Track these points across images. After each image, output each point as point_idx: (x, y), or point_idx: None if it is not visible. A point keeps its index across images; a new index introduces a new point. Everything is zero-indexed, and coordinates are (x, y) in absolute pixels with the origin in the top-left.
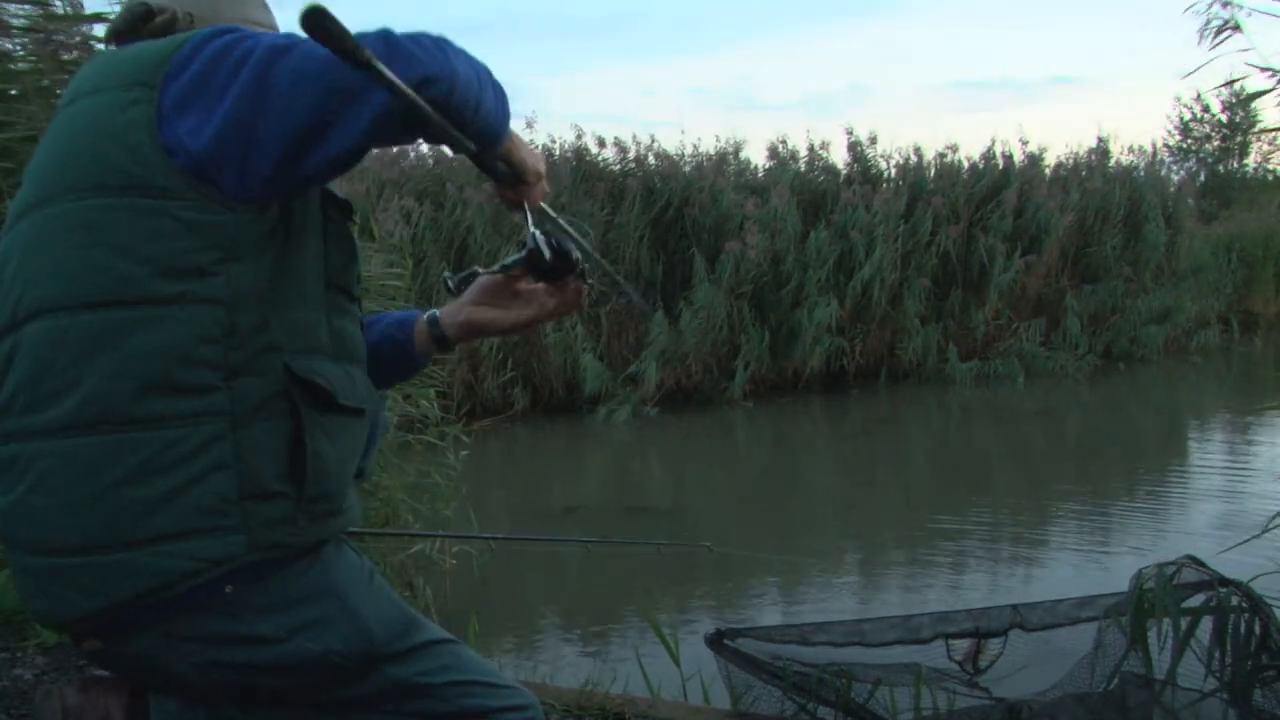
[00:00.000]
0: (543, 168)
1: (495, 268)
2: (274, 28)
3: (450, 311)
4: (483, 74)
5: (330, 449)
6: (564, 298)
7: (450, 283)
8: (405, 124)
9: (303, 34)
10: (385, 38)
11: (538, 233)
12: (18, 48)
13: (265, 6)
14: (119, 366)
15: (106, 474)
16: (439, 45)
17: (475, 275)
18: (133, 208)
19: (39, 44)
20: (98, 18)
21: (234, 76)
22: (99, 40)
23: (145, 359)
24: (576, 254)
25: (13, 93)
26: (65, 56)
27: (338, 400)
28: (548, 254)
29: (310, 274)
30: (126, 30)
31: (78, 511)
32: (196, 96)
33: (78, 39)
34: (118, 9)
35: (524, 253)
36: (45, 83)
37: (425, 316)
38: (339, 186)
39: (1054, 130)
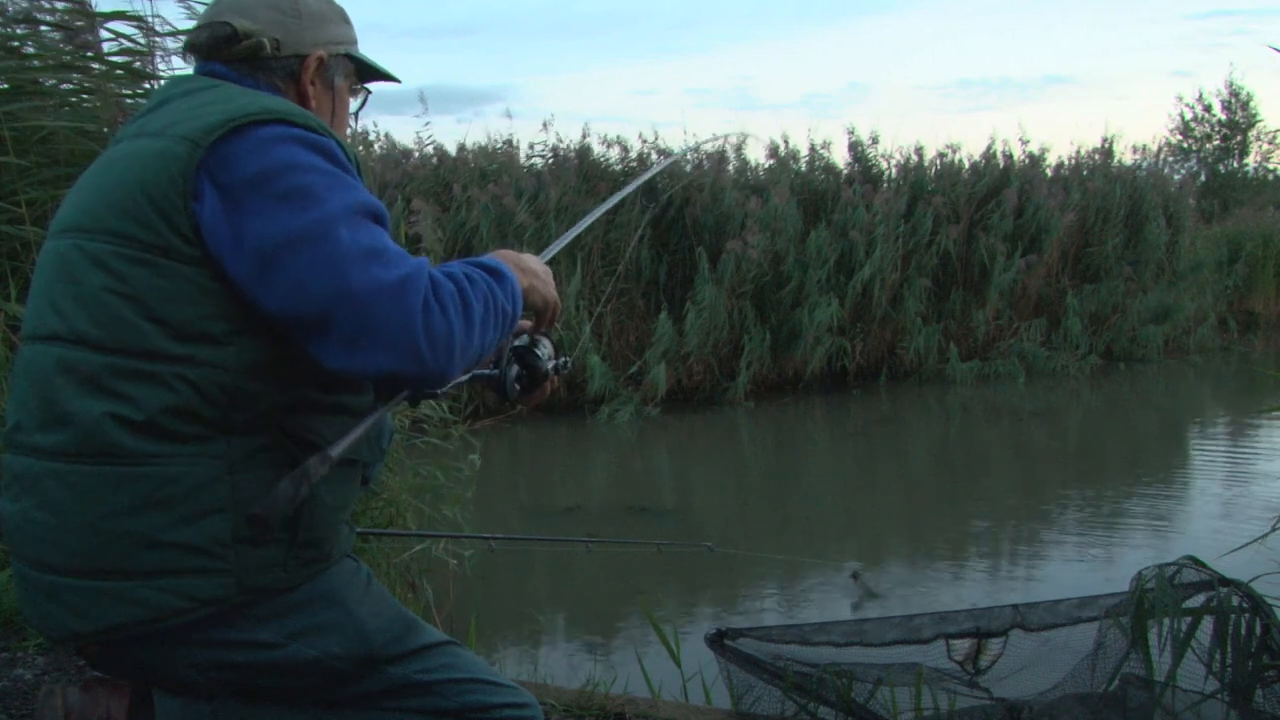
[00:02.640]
0: (552, 295)
1: (465, 376)
2: (354, 41)
3: None
4: (488, 337)
5: (327, 495)
6: (532, 401)
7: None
8: None
9: (364, 197)
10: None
11: (510, 371)
12: (31, 45)
13: (346, 20)
14: (120, 408)
15: (106, 504)
16: (448, 346)
17: (436, 393)
18: (157, 267)
19: (67, 40)
20: (122, 15)
21: (280, 208)
22: (123, 38)
23: (146, 406)
24: (548, 366)
25: (45, 82)
26: (89, 55)
27: (329, 453)
28: (512, 394)
29: None
30: (207, 49)
31: (76, 535)
32: (241, 196)
33: (101, 37)
34: (136, 7)
35: (491, 375)
36: (64, 85)
37: None
38: None
39: (1053, 129)
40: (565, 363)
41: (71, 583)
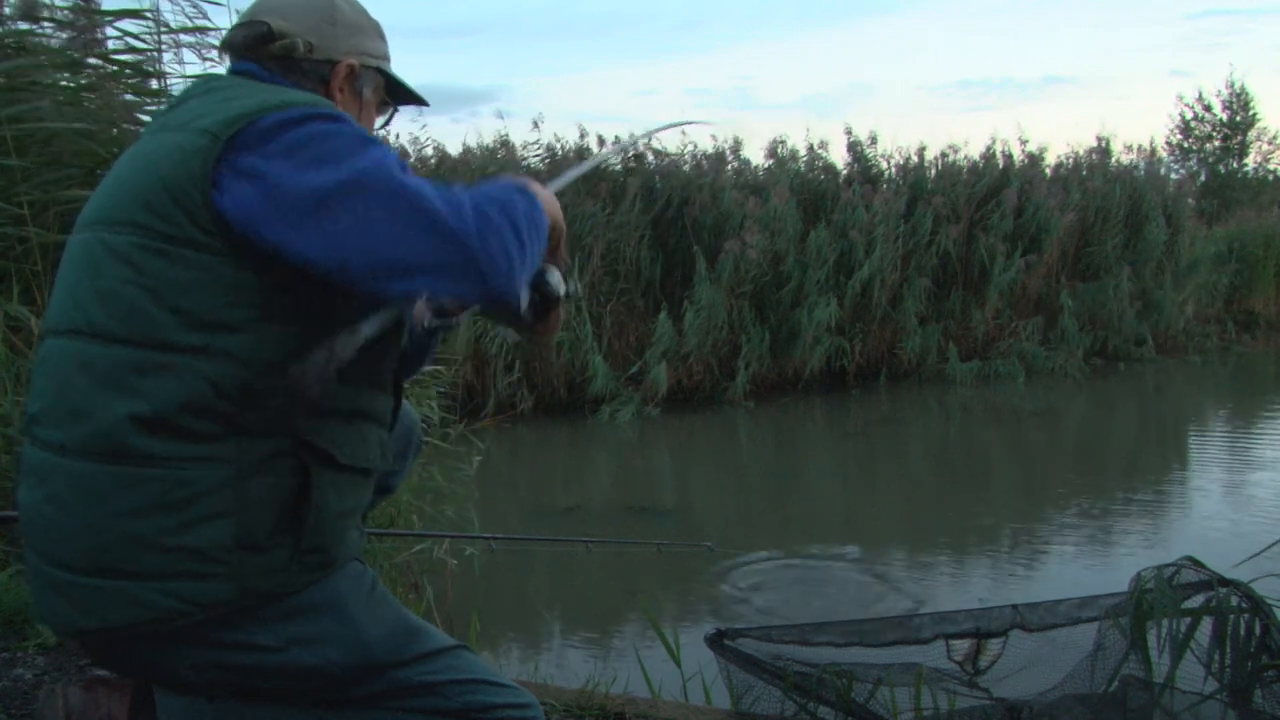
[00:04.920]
0: (559, 212)
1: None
2: (386, 56)
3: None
4: (536, 250)
5: (332, 505)
6: (544, 331)
7: (427, 323)
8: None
9: (393, 154)
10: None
11: (524, 294)
12: (45, 41)
13: (380, 36)
14: (135, 405)
15: (113, 504)
16: (509, 266)
17: (451, 325)
18: (176, 257)
19: (72, 39)
20: (133, 14)
21: (321, 165)
22: (131, 36)
23: (161, 401)
24: (559, 294)
25: (49, 82)
26: (94, 53)
27: (339, 461)
28: (529, 317)
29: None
30: (242, 47)
31: (83, 533)
32: (272, 164)
33: (109, 34)
34: (149, 5)
35: None
36: (67, 84)
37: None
38: None
39: (1054, 130)
40: (575, 289)
41: (76, 579)
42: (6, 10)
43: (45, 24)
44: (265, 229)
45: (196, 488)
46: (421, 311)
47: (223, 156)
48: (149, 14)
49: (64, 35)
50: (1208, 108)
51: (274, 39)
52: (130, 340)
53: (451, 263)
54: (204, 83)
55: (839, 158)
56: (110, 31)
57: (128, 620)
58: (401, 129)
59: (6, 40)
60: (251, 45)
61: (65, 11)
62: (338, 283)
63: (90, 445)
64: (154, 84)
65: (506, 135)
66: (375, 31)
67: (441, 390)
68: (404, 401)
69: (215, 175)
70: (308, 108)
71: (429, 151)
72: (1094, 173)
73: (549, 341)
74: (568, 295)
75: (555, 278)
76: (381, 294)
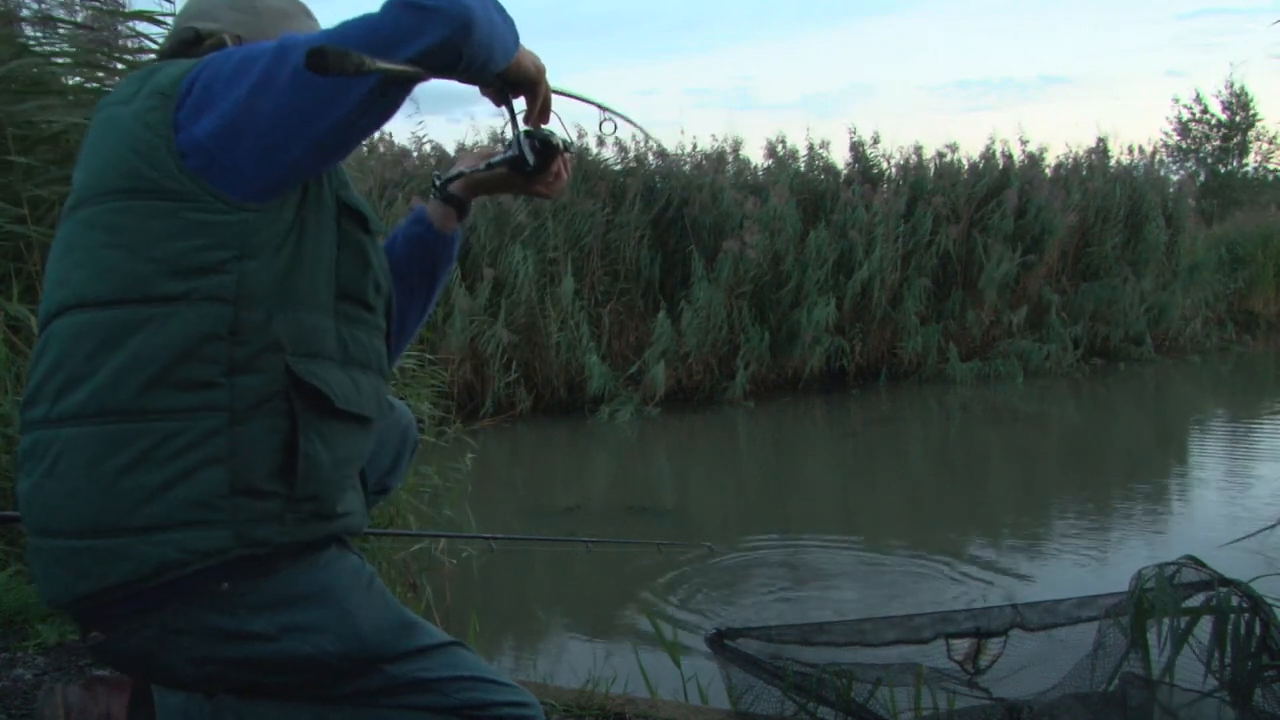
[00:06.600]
0: (542, 64)
1: (482, 166)
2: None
3: (453, 182)
4: (493, 11)
5: (324, 452)
6: (551, 182)
7: (438, 181)
8: (402, 90)
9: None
10: (402, 13)
11: (522, 137)
12: (62, 44)
13: (309, 15)
14: (126, 361)
15: (107, 462)
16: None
17: (462, 175)
18: (147, 210)
19: (84, 41)
20: (144, 15)
21: (242, 74)
22: (144, 36)
23: (151, 354)
24: (558, 140)
25: (64, 79)
26: (108, 56)
27: (335, 405)
28: (532, 159)
29: (320, 281)
30: (175, 54)
31: (79, 497)
32: (209, 99)
33: (125, 37)
34: (163, 5)
35: (508, 155)
36: (89, 84)
37: (430, 200)
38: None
39: (1052, 130)
40: (569, 143)
41: (74, 544)
42: (24, 12)
43: (62, 27)
44: (243, 129)
45: (190, 437)
46: (440, 214)
47: (178, 106)
48: (167, 17)
49: (82, 34)
50: (1204, 109)
51: (202, 40)
52: (116, 301)
53: (397, 21)
54: (144, 68)
55: (839, 157)
56: (127, 30)
57: (123, 577)
58: (400, 129)
59: (13, 38)
60: (182, 51)
61: (84, 9)
62: (325, 129)
63: (85, 409)
64: None
65: (504, 135)
66: (302, 11)
67: (435, 387)
68: (400, 402)
69: (175, 122)
70: (235, 46)
71: (427, 149)
72: (1094, 173)
73: (559, 191)
74: (565, 144)
75: (548, 133)
76: (333, 112)
